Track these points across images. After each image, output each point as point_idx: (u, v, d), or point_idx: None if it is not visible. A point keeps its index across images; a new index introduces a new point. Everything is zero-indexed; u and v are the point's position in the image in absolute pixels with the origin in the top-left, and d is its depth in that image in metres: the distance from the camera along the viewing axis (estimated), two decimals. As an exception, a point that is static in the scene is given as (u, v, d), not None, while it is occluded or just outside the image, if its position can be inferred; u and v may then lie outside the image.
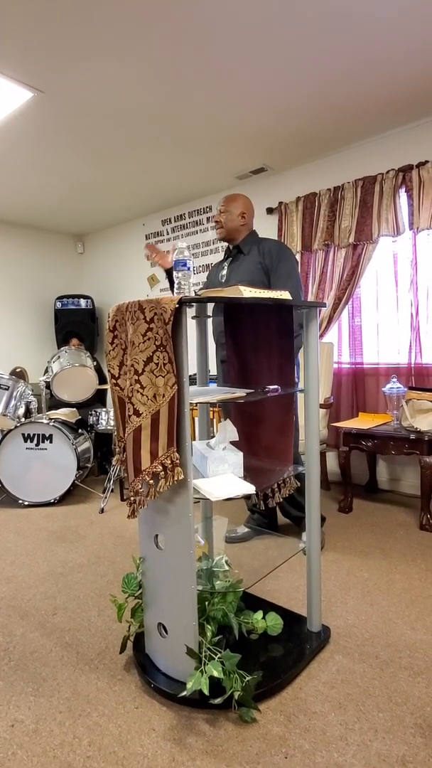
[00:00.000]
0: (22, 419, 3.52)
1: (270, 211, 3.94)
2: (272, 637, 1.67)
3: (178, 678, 1.47)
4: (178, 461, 1.35)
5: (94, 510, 3.29)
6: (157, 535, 1.50)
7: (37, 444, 3.40)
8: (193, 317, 1.91)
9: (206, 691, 1.32)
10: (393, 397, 3.02)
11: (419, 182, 3.10)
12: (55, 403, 3.93)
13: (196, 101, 2.81)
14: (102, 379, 3.96)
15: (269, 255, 2.34)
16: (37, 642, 1.78)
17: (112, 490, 3.53)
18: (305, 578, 2.14)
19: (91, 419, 3.66)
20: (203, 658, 1.39)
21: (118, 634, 1.81)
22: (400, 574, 2.22)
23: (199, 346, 1.97)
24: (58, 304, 5.20)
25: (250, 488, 1.45)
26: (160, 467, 1.35)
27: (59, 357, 3.59)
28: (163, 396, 1.35)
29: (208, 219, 4.44)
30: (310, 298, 3.69)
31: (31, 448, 3.39)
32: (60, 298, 5.22)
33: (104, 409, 3.66)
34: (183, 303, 1.31)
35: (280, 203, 3.83)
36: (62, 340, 5.07)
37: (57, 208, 4.69)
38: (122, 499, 3.52)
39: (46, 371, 3.74)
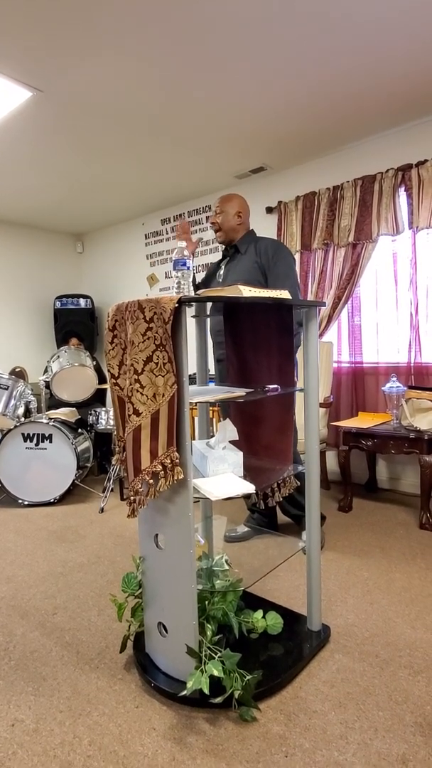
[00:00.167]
0: (22, 419, 3.51)
1: (269, 210, 3.94)
2: (272, 636, 1.67)
3: (178, 677, 1.47)
4: (177, 461, 1.35)
5: (94, 509, 3.29)
6: (157, 535, 1.50)
7: (37, 444, 3.39)
8: (192, 316, 1.91)
9: (206, 691, 1.32)
10: (393, 396, 3.02)
11: (419, 181, 3.10)
12: (54, 403, 3.93)
13: (195, 100, 2.80)
14: (102, 379, 3.96)
15: (266, 254, 2.34)
16: (38, 641, 1.78)
17: (111, 490, 3.53)
18: (305, 577, 2.14)
19: (91, 419, 3.66)
20: (203, 658, 1.39)
21: (118, 634, 1.81)
22: (399, 573, 2.22)
23: (199, 345, 1.97)
24: (58, 304, 5.20)
25: (249, 487, 1.45)
26: (160, 467, 1.35)
27: (59, 357, 3.59)
28: (163, 395, 1.35)
29: (207, 218, 4.44)
30: (310, 297, 3.69)
31: (31, 448, 3.39)
32: (59, 297, 5.21)
33: (104, 409, 3.66)
34: (182, 302, 1.31)
35: (280, 202, 3.83)
36: (62, 340, 5.07)
37: (56, 208, 4.69)
38: (122, 499, 3.52)
39: (46, 371, 3.73)
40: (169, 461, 1.35)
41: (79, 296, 5.25)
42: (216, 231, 2.47)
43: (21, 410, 3.54)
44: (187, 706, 1.42)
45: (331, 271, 3.57)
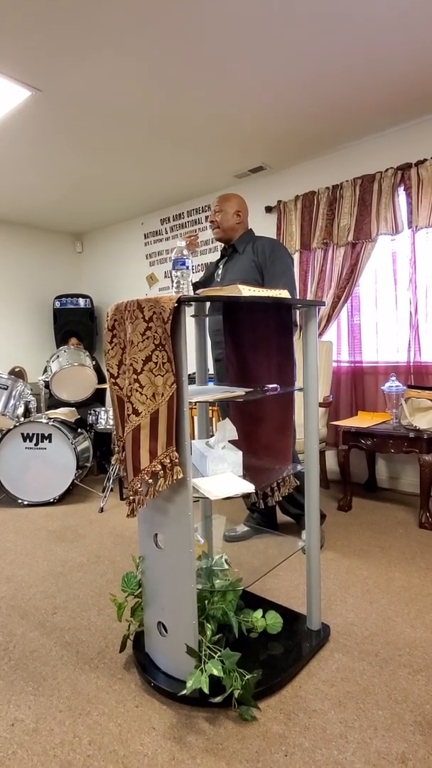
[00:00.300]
0: (21, 419, 3.51)
1: (269, 209, 3.94)
2: (272, 636, 1.67)
3: (178, 677, 1.47)
4: (177, 460, 1.35)
5: (94, 509, 3.29)
6: (156, 534, 1.50)
7: (37, 443, 3.39)
8: (192, 316, 1.91)
9: (206, 690, 1.32)
10: (392, 396, 3.02)
11: (418, 181, 3.10)
12: (54, 403, 3.93)
13: (195, 100, 2.80)
14: (101, 379, 3.96)
15: (262, 253, 2.34)
16: (37, 641, 1.78)
17: (111, 490, 3.53)
18: (305, 577, 2.14)
19: (91, 418, 3.66)
20: (203, 657, 1.40)
21: (118, 633, 1.81)
22: (399, 572, 2.22)
23: (198, 345, 1.97)
24: (57, 304, 5.20)
25: (249, 487, 1.45)
26: (159, 466, 1.35)
27: (58, 356, 3.59)
28: (162, 395, 1.35)
29: (206, 218, 4.43)
30: (309, 296, 3.69)
31: (31, 448, 3.39)
32: (59, 297, 5.21)
33: (103, 409, 3.66)
34: (182, 302, 1.31)
35: (279, 202, 3.83)
36: (61, 340, 5.06)
37: (55, 207, 4.69)
38: (122, 499, 3.52)
39: (45, 371, 3.73)
40: (168, 461, 1.35)
41: (78, 296, 5.25)
42: (214, 229, 2.48)
43: (20, 410, 3.54)
44: (187, 705, 1.42)
45: (330, 271, 3.57)
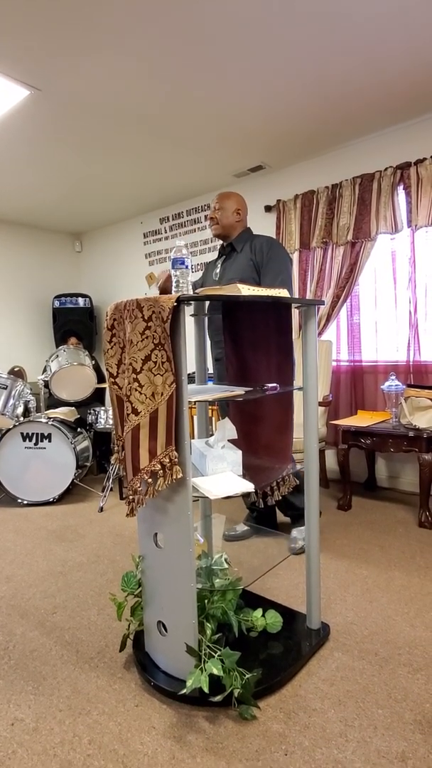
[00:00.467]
0: (21, 418, 3.51)
1: (268, 209, 3.94)
2: (272, 635, 1.67)
3: (177, 676, 1.47)
4: (176, 460, 1.35)
5: (94, 509, 3.29)
6: (156, 534, 1.50)
7: (36, 443, 3.39)
8: (191, 315, 1.91)
9: (206, 689, 1.32)
10: (392, 395, 3.02)
11: (417, 180, 3.10)
12: (53, 402, 3.93)
13: (194, 100, 2.80)
14: (100, 378, 3.96)
15: (260, 252, 2.34)
16: (37, 641, 1.78)
17: (111, 489, 3.53)
18: (304, 576, 2.14)
19: (90, 418, 3.66)
20: (203, 656, 1.40)
21: (118, 633, 1.81)
22: (399, 571, 2.22)
23: (198, 344, 1.97)
24: (56, 303, 5.19)
25: (248, 486, 1.45)
26: (159, 466, 1.36)
27: (57, 356, 3.59)
28: (162, 394, 1.35)
29: (205, 217, 4.43)
30: (309, 296, 3.68)
31: (30, 448, 3.39)
32: (58, 296, 5.21)
33: (103, 408, 3.66)
34: (181, 301, 1.31)
35: (278, 201, 3.83)
36: (60, 339, 5.06)
37: (55, 207, 4.68)
38: (121, 498, 3.52)
39: (45, 370, 3.73)
40: (167, 460, 1.35)
41: (77, 295, 5.24)
42: (213, 225, 2.47)
43: (20, 410, 3.53)
44: (187, 704, 1.42)
45: (329, 270, 3.57)
